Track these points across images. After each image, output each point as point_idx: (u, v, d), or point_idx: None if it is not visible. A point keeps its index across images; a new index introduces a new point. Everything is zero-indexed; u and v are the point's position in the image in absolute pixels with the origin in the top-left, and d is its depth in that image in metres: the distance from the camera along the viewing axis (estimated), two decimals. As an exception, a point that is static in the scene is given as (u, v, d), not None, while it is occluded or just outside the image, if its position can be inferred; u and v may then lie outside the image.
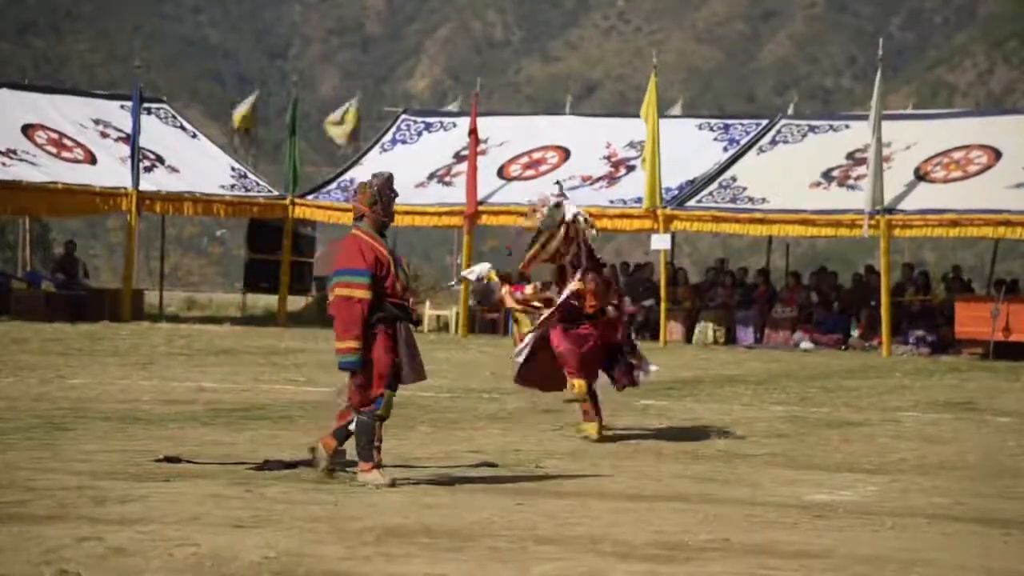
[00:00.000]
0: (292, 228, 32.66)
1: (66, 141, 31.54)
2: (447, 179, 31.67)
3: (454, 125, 33.50)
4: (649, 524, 8.65)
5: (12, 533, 7.72)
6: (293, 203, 32.34)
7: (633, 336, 14.24)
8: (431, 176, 31.67)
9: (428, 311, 32.51)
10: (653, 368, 14.07)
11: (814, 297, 30.78)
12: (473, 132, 30.47)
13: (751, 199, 29.48)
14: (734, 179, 30.07)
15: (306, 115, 55.85)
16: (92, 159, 31.44)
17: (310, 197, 32.65)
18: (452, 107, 36.59)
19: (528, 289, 13.71)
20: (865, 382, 20.58)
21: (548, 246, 13.45)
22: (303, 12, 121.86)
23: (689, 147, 30.91)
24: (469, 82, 67.26)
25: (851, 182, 29.21)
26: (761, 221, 29.36)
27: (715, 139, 31.59)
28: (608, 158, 30.89)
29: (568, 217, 13.59)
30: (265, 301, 36.70)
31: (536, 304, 13.66)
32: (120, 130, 32.19)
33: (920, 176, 28.86)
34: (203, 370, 19.49)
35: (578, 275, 13.45)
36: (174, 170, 32.15)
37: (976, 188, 28.09)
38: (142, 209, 31.41)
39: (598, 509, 9.20)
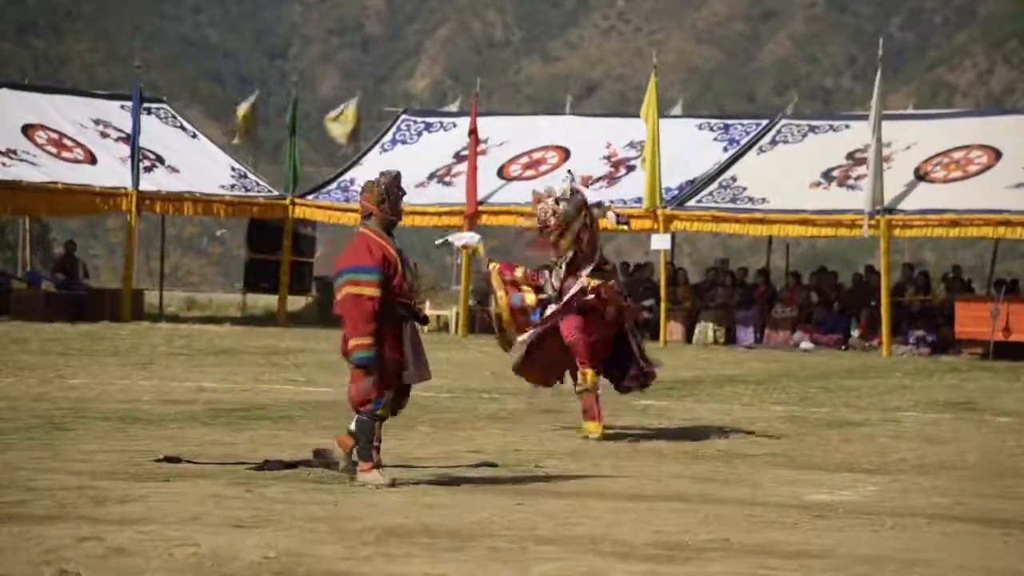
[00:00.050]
0: (292, 228, 32.66)
1: (66, 141, 31.55)
2: (447, 179, 31.68)
3: (454, 125, 33.50)
4: (649, 524, 8.65)
5: (12, 533, 7.72)
6: (293, 203, 32.34)
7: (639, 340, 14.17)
8: (431, 176, 31.67)
9: (428, 311, 32.51)
10: (659, 368, 14.10)
11: (814, 297, 30.79)
12: (473, 132, 30.48)
13: (751, 199, 29.49)
14: (734, 179, 30.08)
15: (306, 115, 55.83)
16: (92, 159, 31.45)
17: (310, 197, 32.66)
18: (452, 107, 36.60)
19: (518, 272, 13.70)
20: (865, 382, 20.58)
21: (570, 231, 13.40)
22: (303, 12, 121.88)
23: (689, 147, 30.91)
24: (469, 82, 67.23)
25: (851, 182, 29.22)
26: (761, 221, 29.37)
27: (715, 139, 31.59)
28: (608, 158, 30.89)
29: (591, 200, 13.68)
30: (265, 301, 36.70)
31: (524, 288, 13.65)
32: (120, 130, 32.19)
33: (920, 176, 28.86)
34: (203, 370, 19.49)
35: (586, 271, 13.45)
36: (174, 170, 32.15)
37: (976, 188, 28.10)
38: (142, 209, 31.42)
39: (598, 509, 9.20)
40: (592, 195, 13.97)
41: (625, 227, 14.78)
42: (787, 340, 29.78)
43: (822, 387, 19.53)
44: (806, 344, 29.41)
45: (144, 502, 8.84)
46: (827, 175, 29.66)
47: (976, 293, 30.50)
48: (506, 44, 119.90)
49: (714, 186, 29.99)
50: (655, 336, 29.10)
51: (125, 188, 30.79)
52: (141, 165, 31.08)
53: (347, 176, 33.06)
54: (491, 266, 13.80)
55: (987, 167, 28.59)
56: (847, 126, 31.29)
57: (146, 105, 32.74)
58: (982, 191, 27.93)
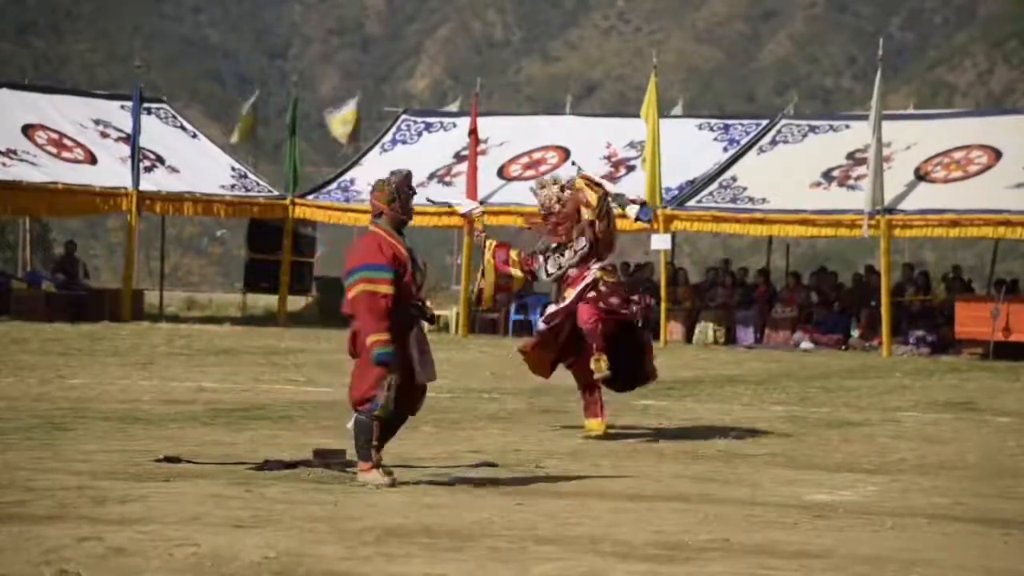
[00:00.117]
0: (292, 228, 32.66)
1: (66, 141, 31.55)
2: (447, 179, 31.67)
3: (454, 125, 33.50)
4: (649, 524, 8.65)
5: (12, 533, 7.72)
6: (293, 203, 32.34)
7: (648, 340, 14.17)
8: (431, 176, 31.67)
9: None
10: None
11: (814, 297, 30.80)
12: (473, 132, 30.47)
13: (751, 199, 29.49)
14: (734, 179, 30.08)
15: (306, 115, 55.82)
16: (92, 159, 31.45)
17: (310, 197, 32.66)
18: (452, 107, 36.60)
19: (512, 253, 13.71)
20: (865, 382, 20.58)
21: (586, 213, 13.45)
22: (303, 12, 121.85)
23: (689, 147, 30.92)
24: (469, 82, 67.22)
25: (851, 182, 29.22)
26: (761, 221, 29.38)
27: (715, 139, 31.60)
28: (608, 158, 30.89)
29: (612, 190, 13.73)
30: (265, 301, 36.70)
31: (512, 271, 13.68)
32: (120, 130, 32.20)
33: (920, 176, 28.86)
34: (203, 370, 19.49)
35: (597, 265, 13.45)
36: (174, 170, 32.15)
37: (976, 188, 28.10)
38: (142, 209, 31.42)
39: (598, 509, 9.20)
40: (612, 187, 14.02)
41: (647, 222, 14.77)
42: (787, 340, 29.78)
43: (822, 387, 19.53)
44: (806, 344, 29.41)
45: (144, 502, 8.84)
46: (827, 175, 29.66)
47: (976, 293, 30.50)
48: (506, 44, 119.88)
49: (714, 186, 29.99)
50: (655, 336, 29.11)
51: (125, 188, 30.79)
52: (141, 165, 31.08)
53: (347, 176, 33.07)
54: (487, 243, 13.80)
55: (987, 167, 28.59)
56: (847, 126, 31.29)
57: (146, 105, 32.74)
58: (982, 191, 27.93)
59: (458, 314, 31.06)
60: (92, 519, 8.22)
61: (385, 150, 33.61)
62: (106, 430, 12.67)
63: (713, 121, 33.01)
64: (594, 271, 13.41)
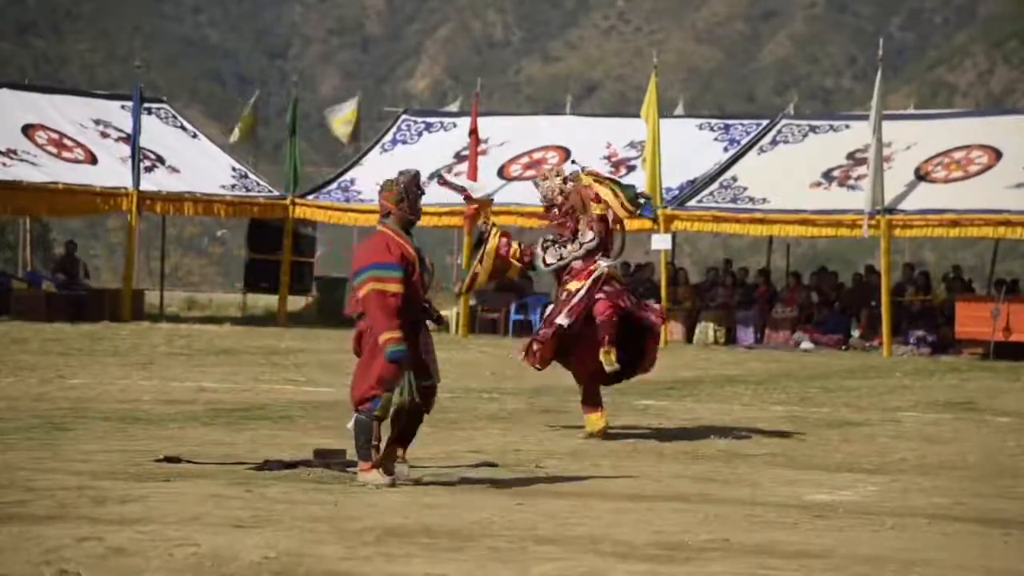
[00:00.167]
0: (292, 228, 32.67)
1: (66, 141, 31.54)
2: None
3: (454, 125, 33.51)
4: (649, 524, 8.64)
5: (12, 533, 7.72)
6: (293, 203, 32.35)
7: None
8: (431, 176, 31.68)
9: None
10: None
11: (814, 297, 30.80)
12: (473, 132, 30.48)
13: (751, 199, 29.49)
14: (734, 179, 30.09)
15: (306, 115, 55.84)
16: (92, 159, 31.45)
17: (310, 197, 32.66)
18: (452, 107, 36.61)
19: (513, 246, 13.71)
20: (865, 382, 20.58)
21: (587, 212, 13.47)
22: (303, 12, 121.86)
23: (689, 147, 30.92)
24: (469, 82, 67.24)
25: (851, 182, 29.22)
26: (761, 221, 29.38)
27: (715, 139, 31.60)
28: (608, 158, 30.89)
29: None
30: (265, 301, 36.70)
31: (512, 262, 13.71)
32: (120, 130, 32.19)
33: (920, 176, 28.86)
34: (203, 370, 19.49)
35: (606, 263, 13.45)
36: (174, 170, 32.15)
37: (976, 188, 28.11)
38: (142, 209, 31.42)
39: (598, 509, 9.20)
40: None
41: (650, 218, 14.79)
42: (787, 340, 29.78)
43: (822, 387, 19.53)
44: (806, 344, 29.41)
45: (144, 502, 8.84)
46: (827, 175, 29.67)
47: (976, 293, 30.51)
48: (506, 44, 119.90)
49: (714, 186, 30.00)
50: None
51: (125, 188, 30.79)
52: (141, 165, 31.08)
53: (347, 176, 33.07)
54: (493, 230, 13.75)
55: (987, 167, 28.59)
56: (847, 126, 31.29)
57: (146, 105, 32.74)
58: (982, 191, 27.94)
59: (458, 314, 31.05)
60: (92, 519, 8.22)
61: (385, 150, 33.61)
62: (106, 430, 12.67)
63: (713, 121, 33.02)
64: (602, 266, 13.41)
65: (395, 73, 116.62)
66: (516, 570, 7.27)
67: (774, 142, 31.15)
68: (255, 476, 10.21)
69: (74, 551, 7.31)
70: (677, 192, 29.78)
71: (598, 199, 13.59)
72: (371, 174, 32.49)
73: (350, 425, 10.05)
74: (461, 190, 14.13)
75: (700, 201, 29.70)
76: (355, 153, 34.24)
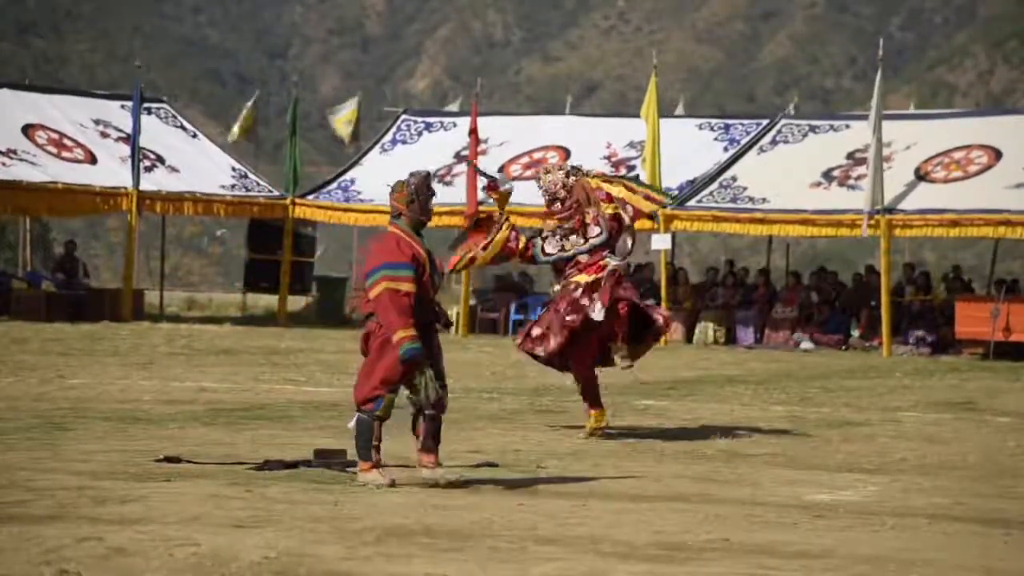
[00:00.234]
0: (292, 228, 32.67)
1: (66, 141, 31.55)
2: (447, 179, 31.68)
3: (454, 125, 33.51)
4: (649, 524, 8.64)
5: (12, 533, 7.72)
6: (293, 203, 32.35)
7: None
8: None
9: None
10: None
11: (814, 297, 30.80)
12: (473, 132, 30.47)
13: (751, 199, 29.49)
14: (734, 179, 30.09)
15: (306, 115, 55.85)
16: (92, 159, 31.45)
17: (310, 197, 32.66)
18: (453, 107, 36.60)
19: (522, 240, 13.71)
20: (865, 382, 20.58)
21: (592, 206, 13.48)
22: (303, 12, 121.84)
23: (689, 147, 30.92)
24: (469, 82, 67.22)
25: (851, 182, 29.23)
26: (761, 221, 29.38)
27: (715, 139, 31.60)
28: (608, 158, 30.89)
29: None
30: (265, 301, 36.71)
31: (515, 257, 13.76)
32: (120, 130, 32.20)
33: (920, 176, 28.87)
34: (203, 370, 19.49)
35: (614, 261, 13.45)
36: (174, 170, 32.15)
37: (976, 188, 28.11)
38: (142, 209, 31.42)
39: (598, 509, 9.19)
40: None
41: (651, 220, 14.84)
42: (787, 340, 29.79)
43: (822, 387, 19.53)
44: (806, 344, 29.42)
45: (144, 502, 8.84)
46: (827, 175, 29.67)
47: (976, 293, 30.52)
48: (506, 44, 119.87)
49: (714, 186, 30.00)
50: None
51: (125, 188, 30.80)
52: (141, 165, 31.09)
53: (347, 176, 33.07)
54: (506, 223, 13.71)
55: (987, 167, 28.60)
56: (847, 126, 31.30)
57: (146, 105, 32.75)
58: (982, 191, 27.94)
59: (458, 314, 31.05)
60: (92, 519, 8.22)
61: (385, 150, 33.61)
62: (106, 430, 12.67)
63: (713, 121, 33.02)
64: (612, 263, 13.41)
65: (395, 73, 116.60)
66: (516, 570, 7.27)
67: (774, 142, 31.16)
68: (255, 476, 10.21)
69: (74, 551, 7.31)
70: (677, 192, 29.78)
71: (610, 199, 13.60)
72: (371, 174, 32.52)
73: (351, 424, 10.05)
74: (491, 179, 14.04)
75: (700, 201, 29.70)
76: (355, 153, 34.24)
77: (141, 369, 19.26)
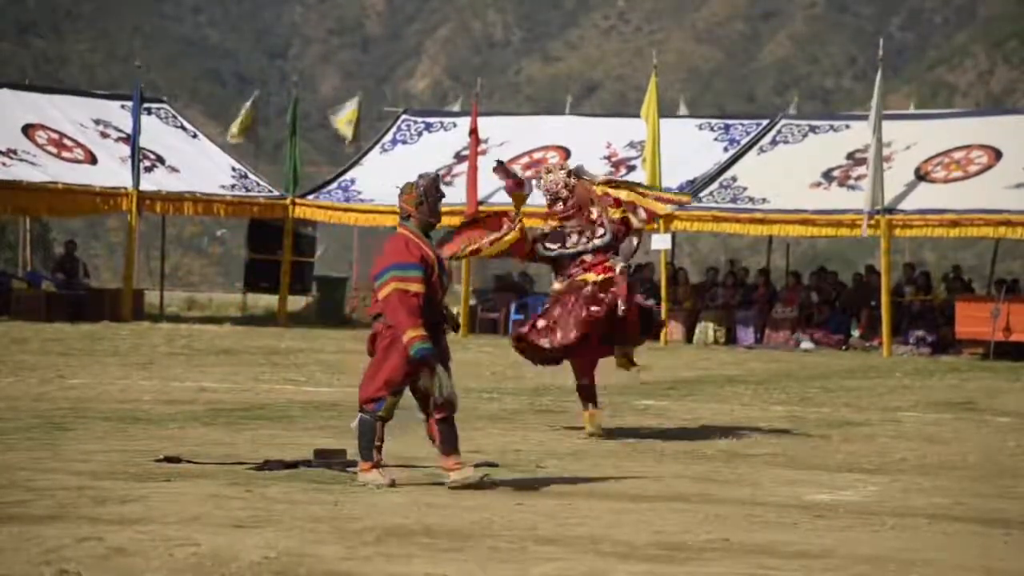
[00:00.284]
0: (292, 228, 32.67)
1: (66, 141, 31.55)
2: (447, 179, 31.66)
3: (454, 125, 33.51)
4: (649, 524, 8.64)
5: (12, 533, 7.72)
6: (293, 203, 32.35)
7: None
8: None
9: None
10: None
11: (814, 297, 30.80)
12: (474, 132, 30.49)
13: (751, 199, 29.49)
14: (734, 179, 30.09)
15: (306, 115, 55.83)
16: (92, 159, 31.45)
17: (310, 197, 32.67)
18: (454, 107, 36.60)
19: (528, 242, 13.72)
20: (865, 382, 20.58)
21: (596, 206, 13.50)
22: (303, 12, 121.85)
23: (689, 147, 30.92)
24: (469, 82, 67.22)
25: (851, 182, 29.23)
26: (761, 221, 29.38)
27: (715, 139, 31.60)
28: (608, 158, 30.89)
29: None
30: (265, 301, 36.71)
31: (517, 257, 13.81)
32: (120, 130, 32.20)
33: (920, 176, 28.87)
34: (203, 370, 19.49)
35: (621, 263, 13.47)
36: (174, 170, 32.16)
37: (976, 188, 28.12)
38: (142, 209, 31.43)
39: (598, 509, 9.19)
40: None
41: (654, 225, 14.88)
42: (787, 340, 29.79)
43: (822, 387, 19.53)
44: (806, 344, 29.42)
45: (144, 502, 8.84)
46: (827, 175, 29.67)
47: (976, 293, 30.52)
48: (506, 44, 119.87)
49: (714, 186, 29.99)
50: (656, 337, 29.09)
51: (125, 188, 30.80)
52: (141, 165, 31.09)
53: (347, 176, 33.08)
54: (518, 224, 13.69)
55: (987, 167, 28.60)
56: (847, 126, 31.30)
57: (146, 105, 32.75)
58: (982, 191, 27.94)
59: (458, 314, 31.05)
60: (92, 519, 8.22)
61: (385, 150, 33.61)
62: (106, 430, 12.67)
63: (713, 121, 33.01)
64: (620, 264, 13.43)
65: (395, 73, 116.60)
66: (516, 570, 7.27)
67: (774, 142, 31.16)
68: (255, 476, 10.21)
69: (74, 551, 7.31)
70: (677, 192, 29.76)
71: (618, 203, 13.61)
72: (371, 174, 32.54)
73: (354, 424, 10.07)
74: (517, 179, 14.02)
75: (700, 201, 29.69)
76: (355, 153, 34.24)
77: (141, 369, 19.26)
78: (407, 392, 10.07)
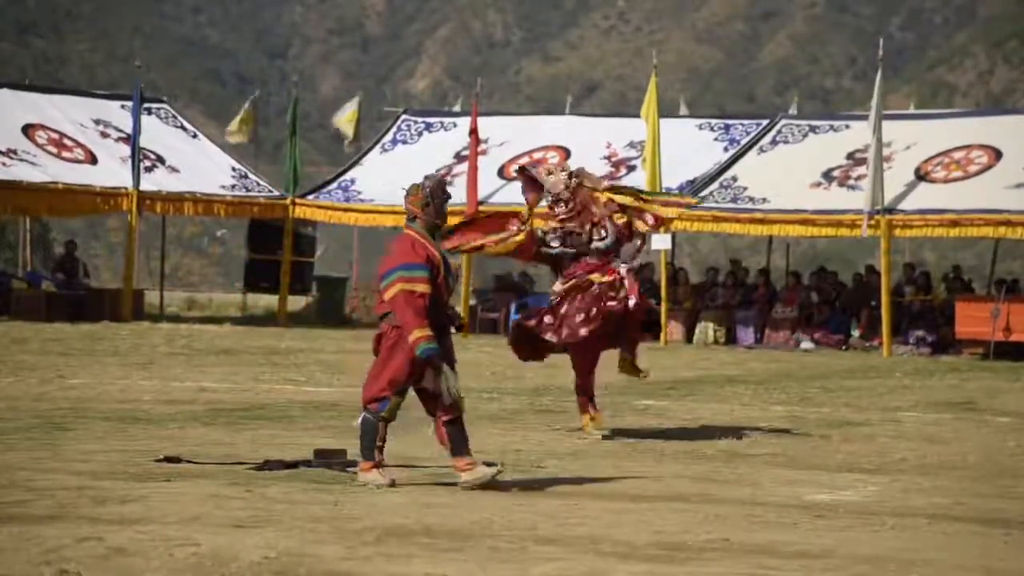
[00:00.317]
0: (292, 228, 32.67)
1: (66, 141, 31.55)
2: (448, 179, 31.68)
3: (454, 125, 33.51)
4: (649, 524, 8.64)
5: (12, 533, 7.72)
6: (293, 203, 32.36)
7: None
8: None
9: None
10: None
11: (814, 297, 30.80)
12: (474, 132, 30.49)
13: (752, 199, 29.49)
14: (735, 179, 30.09)
15: (306, 115, 55.84)
16: (92, 159, 31.45)
17: (310, 197, 32.67)
18: (455, 107, 36.61)
19: (534, 247, 13.73)
20: (865, 382, 20.58)
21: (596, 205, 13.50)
22: (303, 12, 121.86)
23: (689, 147, 30.91)
24: (469, 82, 67.21)
25: (851, 182, 29.23)
26: (761, 221, 29.38)
27: (716, 139, 31.60)
28: (608, 158, 30.89)
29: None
30: (265, 301, 36.71)
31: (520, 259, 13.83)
32: (120, 130, 32.21)
33: (920, 176, 28.87)
34: (203, 370, 19.49)
35: (624, 267, 13.46)
36: (174, 170, 32.16)
37: (976, 188, 28.12)
38: (142, 209, 31.43)
39: (598, 509, 9.20)
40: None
41: (661, 230, 14.90)
42: (787, 340, 29.78)
43: (822, 387, 19.53)
44: (806, 344, 29.42)
45: (144, 502, 8.84)
46: (827, 175, 29.67)
47: (976, 293, 30.51)
48: (506, 44, 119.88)
49: (715, 186, 29.99)
50: (655, 337, 29.09)
51: (125, 188, 30.80)
52: (141, 165, 31.10)
53: (347, 176, 33.08)
54: (528, 227, 13.67)
55: (987, 167, 28.60)
56: (847, 126, 31.30)
57: (146, 105, 32.76)
58: (982, 191, 27.94)
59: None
60: (92, 519, 8.22)
61: (385, 150, 33.61)
62: (106, 430, 12.67)
63: (713, 121, 33.01)
64: (623, 268, 13.44)
65: (395, 73, 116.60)
66: (516, 570, 7.27)
67: (774, 142, 31.16)
68: (255, 476, 10.21)
69: (74, 551, 7.31)
70: (677, 192, 29.75)
71: (623, 209, 13.61)
72: (371, 174, 32.54)
73: (357, 423, 10.09)
74: (535, 183, 14.01)
75: (700, 201, 29.67)
76: (355, 153, 34.25)
77: (141, 369, 19.26)
78: (410, 393, 10.09)
